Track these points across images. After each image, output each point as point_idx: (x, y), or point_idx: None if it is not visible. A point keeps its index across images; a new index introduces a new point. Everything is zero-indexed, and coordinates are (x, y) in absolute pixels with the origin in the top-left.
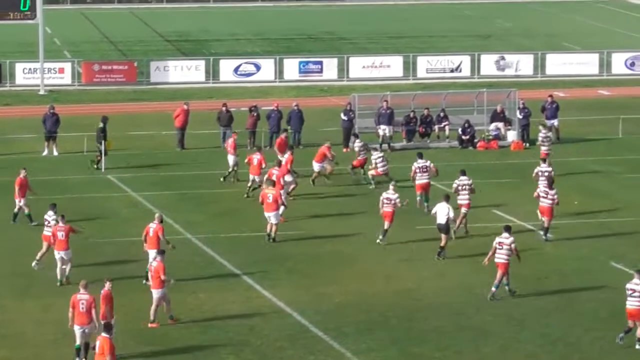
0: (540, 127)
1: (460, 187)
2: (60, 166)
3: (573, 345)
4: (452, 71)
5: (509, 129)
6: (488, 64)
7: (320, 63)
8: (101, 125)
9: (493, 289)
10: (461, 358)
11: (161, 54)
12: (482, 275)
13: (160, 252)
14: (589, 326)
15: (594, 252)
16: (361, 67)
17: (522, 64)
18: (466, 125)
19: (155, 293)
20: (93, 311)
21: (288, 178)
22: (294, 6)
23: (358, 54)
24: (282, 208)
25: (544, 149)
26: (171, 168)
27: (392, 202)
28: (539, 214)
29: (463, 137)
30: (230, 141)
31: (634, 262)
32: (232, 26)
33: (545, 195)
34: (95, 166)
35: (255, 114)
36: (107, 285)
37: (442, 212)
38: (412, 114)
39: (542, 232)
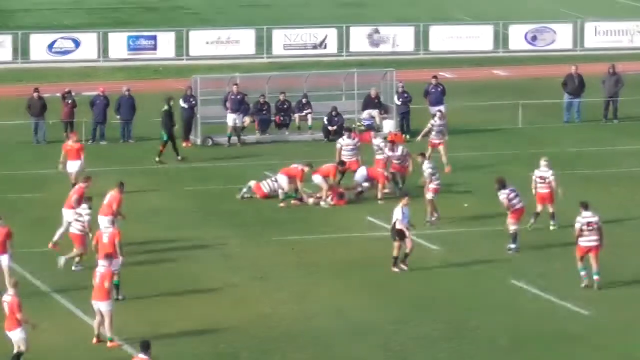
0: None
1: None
2: None
3: None
4: (315, 47)
5: (385, 118)
6: (359, 38)
7: (154, 38)
8: (167, 107)
9: (595, 277)
10: None
11: None
12: (353, 296)
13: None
14: (483, 358)
15: (490, 267)
16: (204, 42)
17: (400, 38)
18: (333, 113)
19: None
20: None
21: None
22: None
23: (200, 26)
24: None
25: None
26: None
27: (547, 181)
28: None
29: (329, 127)
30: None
31: (536, 278)
32: None
33: (543, 181)
34: (158, 159)
35: (70, 102)
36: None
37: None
38: (262, 100)
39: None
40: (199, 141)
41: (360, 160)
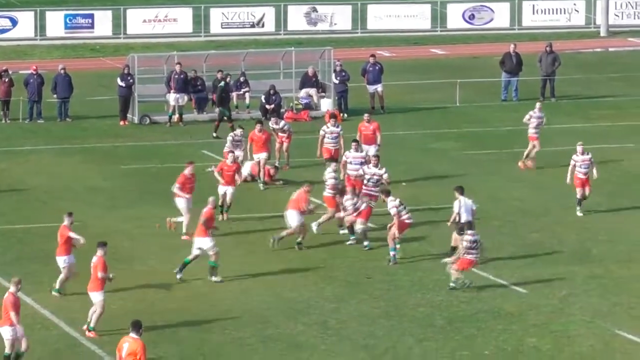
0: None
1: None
2: None
3: (402, 359)
4: (252, 26)
5: (323, 96)
6: (297, 16)
7: (91, 16)
8: (222, 83)
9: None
10: None
11: None
12: (292, 275)
13: None
14: (421, 336)
15: (425, 246)
16: (141, 21)
17: (338, 17)
18: (271, 91)
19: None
20: None
21: None
22: None
23: (137, 4)
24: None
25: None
26: None
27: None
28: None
29: (267, 106)
30: None
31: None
32: None
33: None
34: (215, 134)
35: (6, 80)
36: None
37: (468, 207)
38: (199, 79)
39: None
40: (136, 119)
41: (342, 149)
